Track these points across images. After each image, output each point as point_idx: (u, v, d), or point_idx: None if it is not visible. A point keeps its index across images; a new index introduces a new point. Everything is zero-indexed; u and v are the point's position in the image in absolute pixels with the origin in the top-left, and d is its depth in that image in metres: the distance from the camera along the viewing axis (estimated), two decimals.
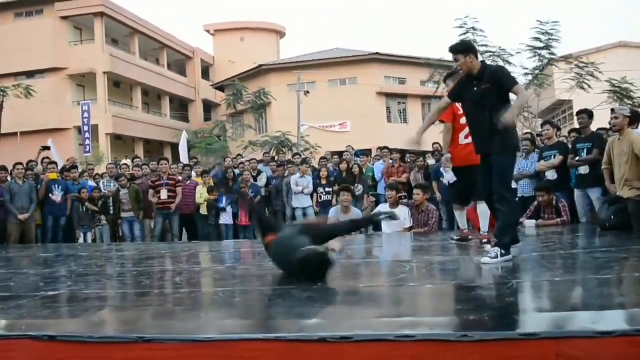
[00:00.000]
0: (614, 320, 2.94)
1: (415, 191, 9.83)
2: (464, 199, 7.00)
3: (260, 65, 39.94)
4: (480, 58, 20.45)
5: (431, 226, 9.49)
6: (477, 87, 5.40)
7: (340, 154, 14.08)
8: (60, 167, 12.67)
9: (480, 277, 4.79)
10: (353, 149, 14.68)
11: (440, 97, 33.77)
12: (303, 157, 16.42)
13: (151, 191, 11.58)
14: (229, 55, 49.13)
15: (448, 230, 10.53)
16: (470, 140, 6.09)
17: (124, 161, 16.14)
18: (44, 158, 13.01)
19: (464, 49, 5.50)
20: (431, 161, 12.06)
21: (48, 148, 14.04)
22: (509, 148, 5.37)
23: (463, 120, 6.33)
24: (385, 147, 13.38)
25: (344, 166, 12.26)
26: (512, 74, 5.86)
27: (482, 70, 5.44)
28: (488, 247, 5.65)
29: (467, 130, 6.20)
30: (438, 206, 10.55)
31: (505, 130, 5.11)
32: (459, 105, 6.29)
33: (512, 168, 5.74)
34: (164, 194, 11.47)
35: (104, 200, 11.99)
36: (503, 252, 5.12)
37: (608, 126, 8.75)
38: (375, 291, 4.45)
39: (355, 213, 9.62)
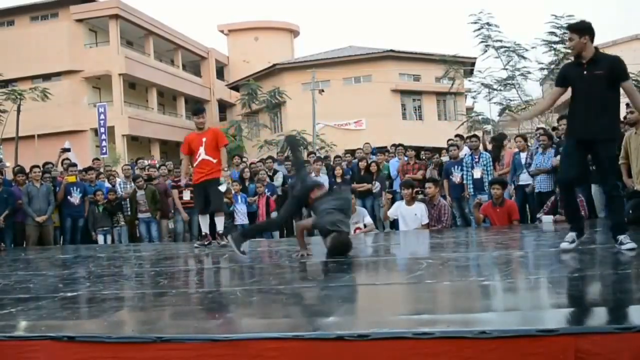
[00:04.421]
0: (633, 315, 2.92)
1: (427, 185, 9.80)
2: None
3: (275, 65, 39.98)
4: (494, 53, 19.86)
5: (444, 222, 9.46)
6: (588, 71, 5.23)
7: (355, 152, 14.02)
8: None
9: (496, 273, 4.77)
10: (371, 146, 14.63)
11: (455, 94, 33.74)
12: (318, 155, 16.36)
13: (175, 191, 11.62)
14: (243, 55, 49.23)
15: (462, 227, 10.51)
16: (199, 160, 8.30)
17: (146, 162, 16.17)
18: (63, 160, 13.10)
19: (580, 28, 5.28)
20: (445, 158, 12.03)
21: (68, 150, 14.16)
22: (614, 136, 5.42)
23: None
24: (400, 145, 13.34)
25: (363, 164, 12.23)
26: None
27: (596, 55, 5.26)
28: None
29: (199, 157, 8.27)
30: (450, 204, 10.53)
31: (612, 119, 5.21)
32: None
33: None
34: (186, 195, 11.49)
35: (119, 201, 12.04)
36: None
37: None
38: (392, 289, 4.45)
39: (361, 213, 9.67)
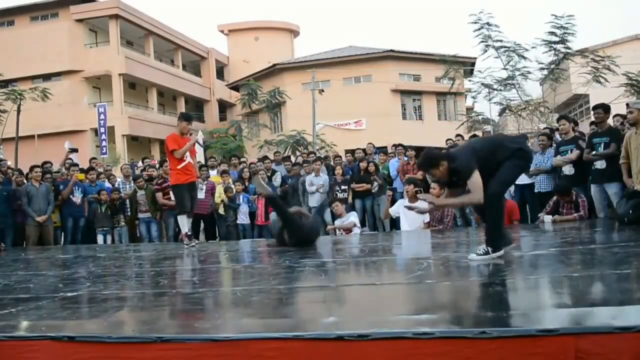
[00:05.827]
0: (633, 315, 2.92)
1: (432, 185, 9.77)
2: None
3: (275, 65, 39.98)
4: (494, 53, 19.68)
5: (446, 223, 9.44)
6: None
7: (356, 152, 13.99)
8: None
9: (497, 273, 4.76)
10: (374, 146, 14.61)
11: (455, 94, 33.68)
12: (317, 155, 16.37)
13: (159, 194, 11.55)
14: (243, 55, 49.27)
15: (462, 227, 10.50)
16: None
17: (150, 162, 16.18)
18: (67, 159, 13.11)
19: (427, 165, 5.41)
20: None
21: (76, 150, 14.23)
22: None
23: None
24: (399, 145, 13.33)
25: (363, 164, 12.22)
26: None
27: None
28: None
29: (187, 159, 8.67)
30: None
31: None
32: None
33: None
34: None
35: (121, 201, 12.04)
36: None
37: (624, 114, 8.68)
38: (392, 289, 4.44)
39: (350, 214, 9.77)
